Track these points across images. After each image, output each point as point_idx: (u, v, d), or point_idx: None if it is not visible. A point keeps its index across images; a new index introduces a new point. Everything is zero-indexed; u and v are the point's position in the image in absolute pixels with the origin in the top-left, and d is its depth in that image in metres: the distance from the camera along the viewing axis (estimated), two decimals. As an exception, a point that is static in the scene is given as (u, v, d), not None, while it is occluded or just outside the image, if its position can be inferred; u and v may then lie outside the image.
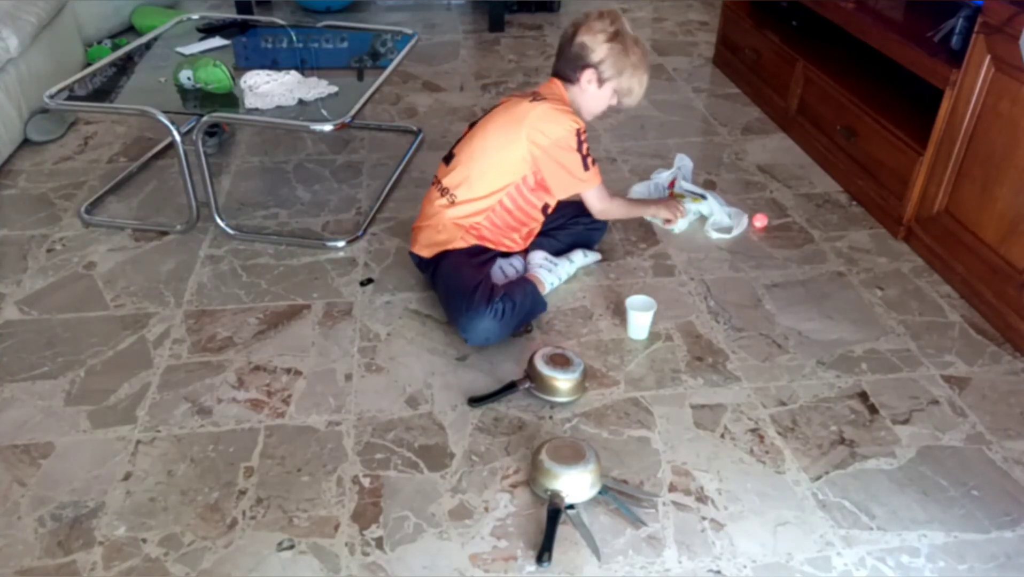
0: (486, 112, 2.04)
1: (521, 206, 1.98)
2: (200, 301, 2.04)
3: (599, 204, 2.06)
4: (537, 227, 2.08)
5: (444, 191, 1.95)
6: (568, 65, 1.96)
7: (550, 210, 2.06)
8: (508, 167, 1.92)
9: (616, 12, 1.96)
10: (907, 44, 2.23)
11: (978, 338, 1.93)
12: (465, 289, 1.84)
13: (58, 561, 1.39)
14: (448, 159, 1.99)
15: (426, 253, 1.98)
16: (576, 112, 1.97)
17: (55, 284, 2.10)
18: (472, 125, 2.02)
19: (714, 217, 2.33)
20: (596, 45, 1.92)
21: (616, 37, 1.93)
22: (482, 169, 1.92)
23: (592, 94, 1.99)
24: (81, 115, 2.97)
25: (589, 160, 1.97)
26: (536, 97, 1.93)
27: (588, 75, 1.95)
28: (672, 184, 2.48)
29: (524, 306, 1.89)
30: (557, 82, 1.99)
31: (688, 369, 1.83)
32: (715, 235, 2.29)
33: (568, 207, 2.16)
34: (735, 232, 2.29)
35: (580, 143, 1.93)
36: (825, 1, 2.66)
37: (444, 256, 1.94)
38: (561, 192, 1.99)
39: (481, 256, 1.97)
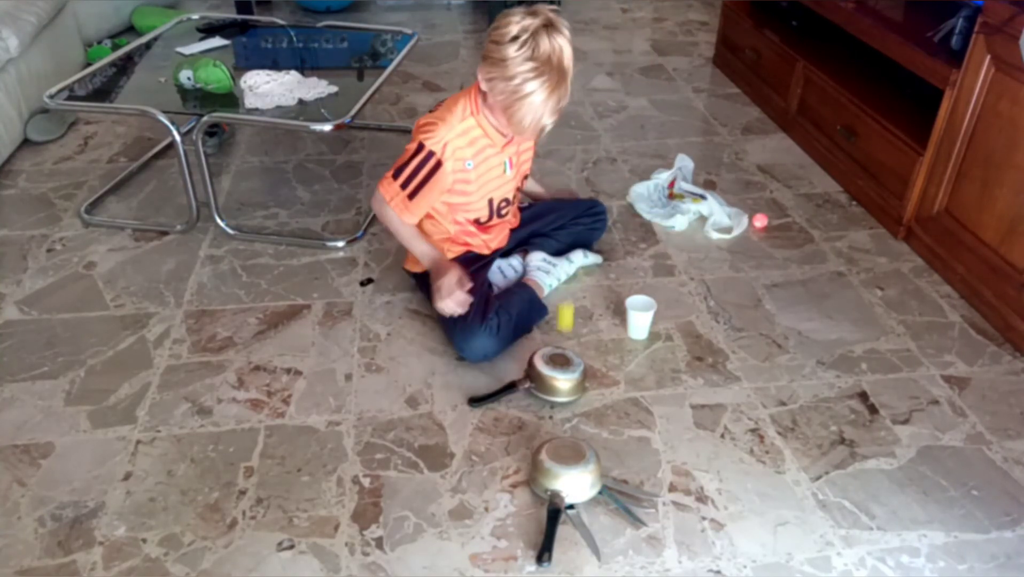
0: None
1: (454, 218, 1.92)
2: (200, 301, 2.04)
3: (375, 198, 1.84)
4: (501, 226, 2.01)
5: None
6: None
7: (485, 218, 1.93)
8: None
9: (549, 13, 1.62)
10: (907, 44, 2.23)
11: (978, 338, 1.93)
12: None
13: (58, 561, 1.39)
14: None
15: (417, 268, 1.96)
16: (484, 122, 1.77)
17: (55, 284, 2.10)
18: None
19: (714, 217, 2.33)
20: (491, 43, 1.63)
21: (516, 40, 1.59)
22: None
23: (494, 109, 1.72)
24: (81, 115, 2.97)
25: (410, 181, 1.76)
26: (434, 108, 1.84)
27: (482, 79, 1.69)
28: (672, 185, 2.48)
29: (522, 315, 1.88)
30: (474, 87, 1.78)
31: (688, 369, 1.83)
32: (715, 235, 2.29)
33: (569, 208, 2.16)
34: (735, 232, 2.29)
35: (414, 156, 1.74)
36: (825, 1, 2.66)
37: None
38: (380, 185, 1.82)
39: (474, 265, 1.94)
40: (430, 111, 1.84)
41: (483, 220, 1.95)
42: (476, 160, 1.81)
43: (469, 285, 1.81)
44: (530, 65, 1.59)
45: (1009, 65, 1.87)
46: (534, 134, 1.73)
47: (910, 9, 2.51)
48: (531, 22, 1.60)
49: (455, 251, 1.94)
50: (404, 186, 1.78)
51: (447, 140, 1.76)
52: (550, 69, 1.61)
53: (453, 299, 1.78)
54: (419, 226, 1.91)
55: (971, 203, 2.03)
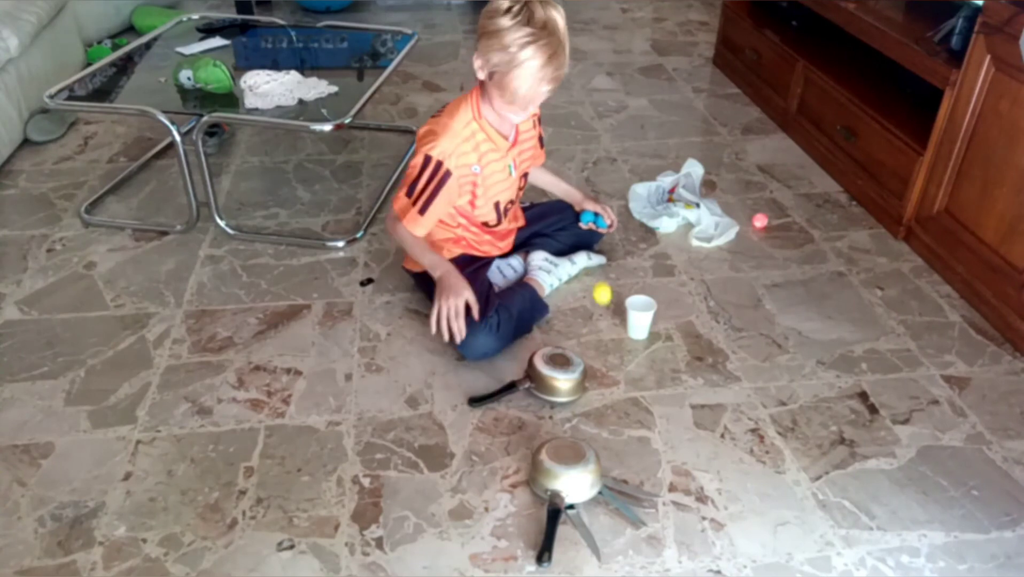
0: None
1: (460, 222, 1.93)
2: (200, 301, 2.04)
3: (388, 218, 1.86)
4: (507, 231, 2.03)
5: None
6: None
7: (494, 222, 1.94)
8: None
9: None
10: (907, 44, 2.23)
11: (978, 338, 1.93)
12: None
13: (58, 561, 1.39)
14: None
15: (417, 268, 1.96)
16: (488, 127, 1.78)
17: (55, 284, 2.10)
18: None
19: (700, 226, 2.33)
20: (484, 21, 1.60)
21: (508, 12, 1.57)
22: None
23: (491, 92, 1.69)
24: (81, 115, 2.97)
25: (420, 194, 1.75)
26: (437, 113, 1.83)
27: (476, 62, 1.66)
28: (673, 190, 2.48)
29: (523, 314, 1.88)
30: (475, 91, 1.78)
31: (688, 369, 1.83)
32: (695, 242, 2.28)
33: (570, 209, 2.16)
34: (715, 242, 2.27)
35: (422, 170, 1.74)
36: (825, 1, 2.66)
37: None
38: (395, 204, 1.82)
39: (473, 264, 1.94)
40: (433, 116, 1.83)
41: (491, 224, 1.95)
42: (481, 164, 1.81)
43: (475, 307, 1.78)
44: (525, 31, 1.56)
45: (1009, 65, 1.87)
46: (530, 104, 1.68)
47: (910, 9, 2.51)
48: None
49: (455, 252, 1.94)
50: (416, 201, 1.77)
51: (451, 149, 1.75)
52: (547, 35, 1.58)
53: (455, 300, 1.75)
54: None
55: (971, 203, 2.03)
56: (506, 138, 1.83)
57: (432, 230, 1.91)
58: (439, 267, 1.82)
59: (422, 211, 1.78)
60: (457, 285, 1.77)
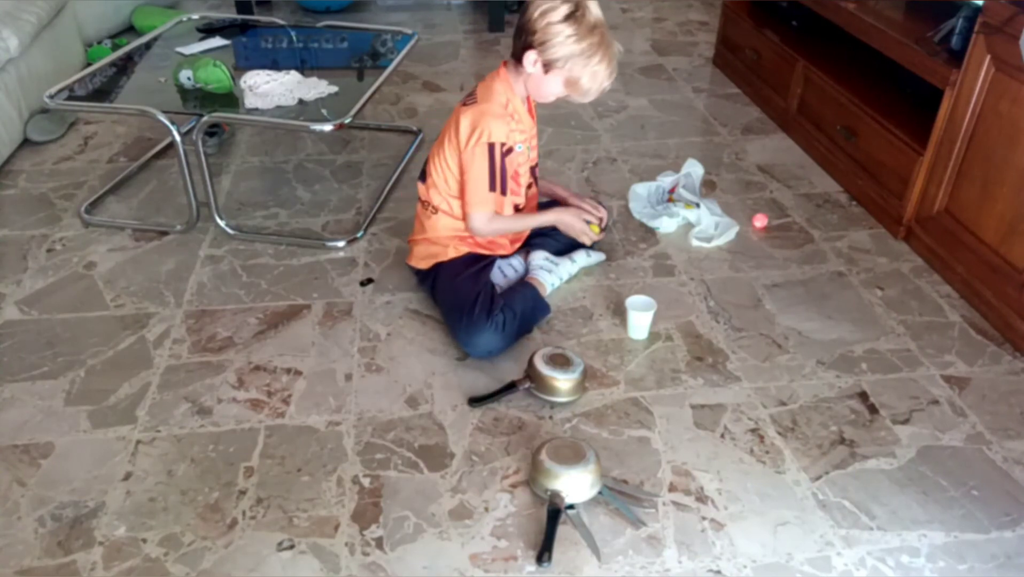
0: None
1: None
2: (200, 301, 2.04)
3: (477, 225, 1.89)
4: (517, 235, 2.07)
5: (425, 204, 1.96)
6: (515, 43, 1.77)
7: (523, 204, 1.99)
8: (458, 177, 1.87)
9: None
10: (907, 44, 2.23)
11: (978, 338, 1.93)
12: (464, 302, 1.83)
13: (58, 561, 1.39)
14: (423, 177, 1.97)
15: (422, 265, 1.98)
16: (519, 103, 1.84)
17: (55, 284, 2.10)
18: None
19: (700, 226, 2.33)
20: (543, 23, 1.69)
21: (570, 17, 1.69)
22: (442, 181, 1.89)
23: (537, 79, 1.78)
24: (81, 115, 2.97)
25: (499, 181, 1.83)
26: (468, 101, 1.86)
27: (530, 57, 1.73)
28: (673, 190, 2.48)
29: (525, 314, 1.89)
30: (503, 70, 1.84)
31: (688, 369, 1.83)
32: (696, 242, 2.28)
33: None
34: (715, 242, 2.27)
35: (492, 157, 1.80)
36: (825, 1, 2.66)
37: (440, 268, 1.94)
38: (468, 207, 1.87)
39: (478, 263, 1.95)
40: (467, 103, 1.84)
41: (521, 205, 2.00)
42: (520, 142, 1.89)
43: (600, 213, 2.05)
44: (589, 39, 1.70)
45: (1009, 65, 1.87)
46: (596, 96, 1.82)
47: (910, 9, 2.51)
48: None
49: (462, 249, 1.94)
50: (497, 188, 1.85)
51: (503, 129, 1.81)
52: (603, 36, 1.72)
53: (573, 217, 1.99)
54: (433, 223, 1.94)
55: (971, 203, 2.03)
56: (532, 117, 1.93)
57: (441, 226, 1.93)
58: (549, 215, 2.02)
59: (504, 191, 1.87)
60: (568, 210, 2.03)
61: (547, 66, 1.74)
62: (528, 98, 1.90)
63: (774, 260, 2.22)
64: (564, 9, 1.68)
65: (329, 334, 1.93)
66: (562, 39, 1.69)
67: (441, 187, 1.90)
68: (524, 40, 1.74)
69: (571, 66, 1.72)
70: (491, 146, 1.79)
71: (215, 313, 2.00)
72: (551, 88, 1.78)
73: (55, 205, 2.45)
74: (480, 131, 1.79)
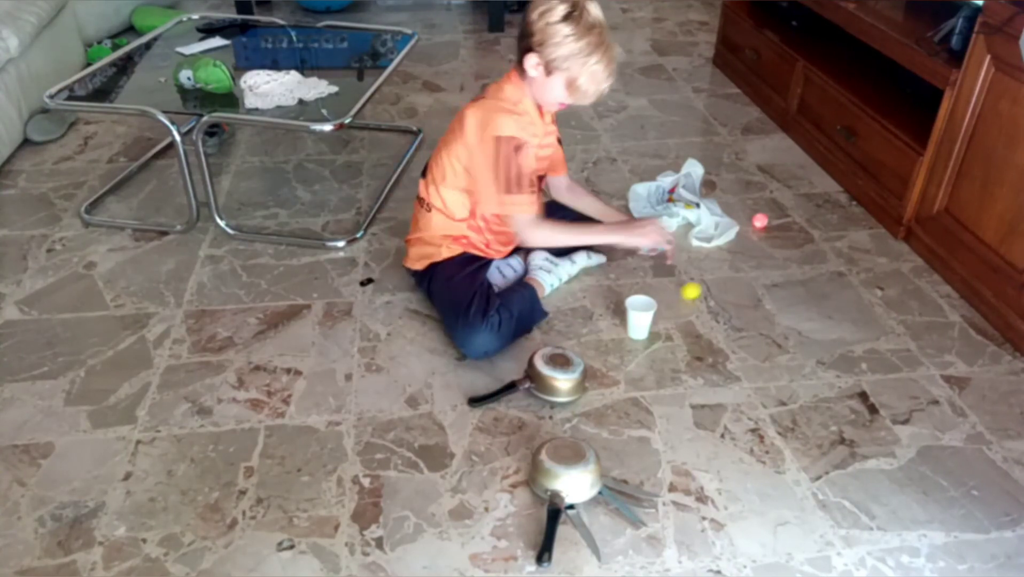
0: None
1: (474, 224, 1.93)
2: (200, 301, 2.04)
3: (522, 233, 1.89)
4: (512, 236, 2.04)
5: (422, 201, 1.95)
6: (518, 48, 1.77)
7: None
8: (463, 176, 1.86)
9: None
10: (907, 44, 2.23)
11: (978, 338, 1.93)
12: (460, 303, 1.83)
13: (58, 561, 1.39)
14: (424, 173, 1.97)
15: (418, 266, 1.97)
16: (530, 105, 1.83)
17: (55, 284, 2.10)
18: None
19: (700, 226, 2.33)
20: (542, 23, 1.70)
21: (569, 17, 1.69)
22: (445, 179, 1.88)
23: (540, 83, 1.77)
24: (81, 115, 2.97)
25: (513, 177, 1.79)
26: (478, 98, 1.86)
27: (532, 60, 1.73)
28: (673, 190, 2.48)
29: (523, 315, 1.88)
30: (514, 73, 1.83)
31: (688, 369, 1.83)
32: (695, 242, 2.28)
33: (569, 209, 2.16)
34: (715, 242, 2.27)
35: (498, 155, 1.77)
36: (825, 1, 2.66)
37: (435, 268, 1.93)
38: (484, 207, 1.87)
39: (473, 264, 1.95)
40: (479, 102, 1.83)
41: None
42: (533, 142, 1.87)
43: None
44: (588, 39, 1.69)
45: (1009, 65, 1.87)
46: (595, 98, 1.81)
47: (910, 9, 2.51)
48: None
49: (455, 249, 1.94)
50: (515, 189, 1.80)
51: (515, 124, 1.79)
52: (601, 36, 1.71)
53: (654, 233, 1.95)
54: (427, 221, 1.93)
55: (971, 203, 2.03)
56: (543, 119, 1.90)
57: (434, 225, 1.92)
58: (614, 230, 2.01)
59: (520, 189, 1.81)
60: (642, 223, 2.01)
61: (547, 68, 1.73)
62: (540, 108, 1.87)
63: (774, 260, 2.22)
64: (562, 9, 1.69)
65: (329, 334, 1.93)
66: (560, 38, 1.69)
67: (439, 183, 1.90)
68: (525, 43, 1.74)
69: (569, 65, 1.71)
70: (497, 140, 1.78)
71: (215, 313, 2.00)
72: (554, 91, 1.77)
73: (55, 205, 2.45)
74: (489, 125, 1.78)
